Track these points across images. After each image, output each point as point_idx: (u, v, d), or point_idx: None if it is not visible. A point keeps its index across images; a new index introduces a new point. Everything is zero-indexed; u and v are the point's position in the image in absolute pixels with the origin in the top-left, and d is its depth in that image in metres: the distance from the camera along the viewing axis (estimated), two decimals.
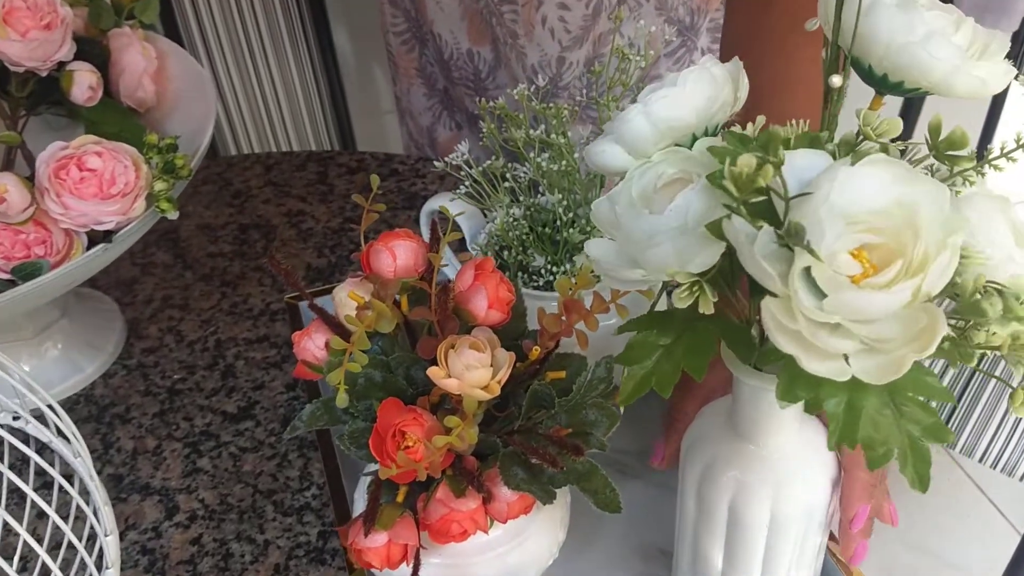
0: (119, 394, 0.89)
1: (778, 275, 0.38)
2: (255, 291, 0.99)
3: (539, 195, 0.76)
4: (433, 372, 0.57)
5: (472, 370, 0.57)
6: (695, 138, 0.51)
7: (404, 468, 0.55)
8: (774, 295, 0.41)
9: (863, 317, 0.38)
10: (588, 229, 0.70)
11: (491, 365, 0.58)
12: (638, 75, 0.71)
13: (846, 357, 0.39)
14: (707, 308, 0.44)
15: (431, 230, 0.61)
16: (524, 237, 0.73)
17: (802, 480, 0.57)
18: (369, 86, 1.59)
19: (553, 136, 0.72)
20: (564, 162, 0.72)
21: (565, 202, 0.71)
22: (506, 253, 0.74)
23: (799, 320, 0.38)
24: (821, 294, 0.38)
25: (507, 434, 0.61)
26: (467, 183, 0.74)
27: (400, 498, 0.60)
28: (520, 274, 0.74)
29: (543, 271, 0.72)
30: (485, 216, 0.81)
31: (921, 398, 0.42)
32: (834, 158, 0.45)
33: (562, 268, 0.71)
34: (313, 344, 0.64)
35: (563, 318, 0.59)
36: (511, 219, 0.73)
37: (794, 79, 0.68)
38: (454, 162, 0.74)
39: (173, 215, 0.74)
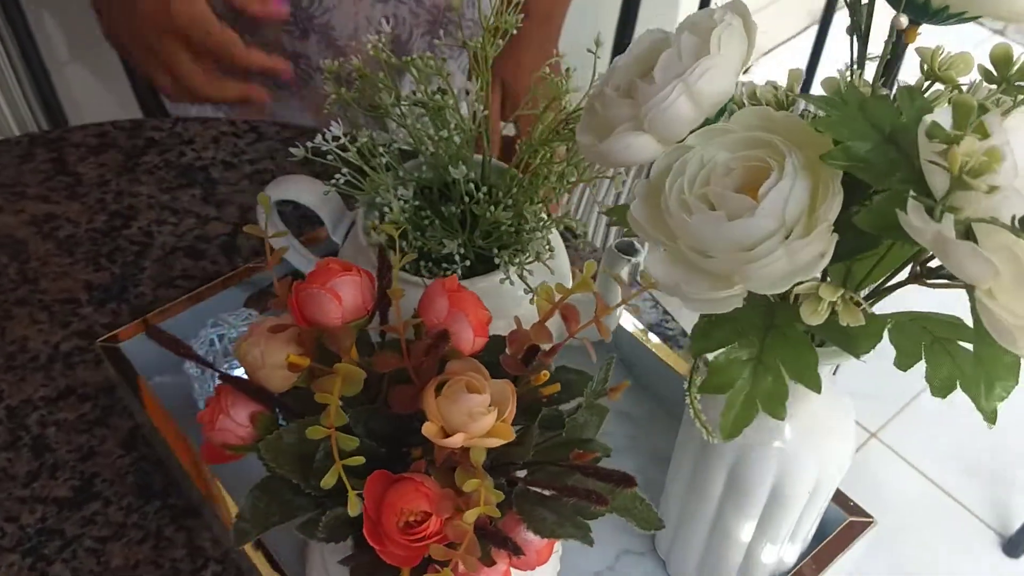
0: None
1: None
2: (31, 332, 0.79)
3: (421, 165, 0.64)
4: (429, 431, 0.47)
5: (478, 417, 0.46)
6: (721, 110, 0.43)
7: (445, 560, 0.45)
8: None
9: None
10: (510, 203, 0.60)
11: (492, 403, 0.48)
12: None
13: None
14: (855, 319, 0.37)
15: (379, 259, 0.48)
16: (425, 222, 0.61)
17: (839, 436, 0.53)
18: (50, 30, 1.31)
19: (439, 97, 0.60)
20: (454, 125, 0.61)
21: (471, 173, 0.60)
22: (403, 242, 0.62)
23: None
24: None
25: (505, 469, 0.52)
26: (344, 171, 0.61)
27: None
28: (424, 263, 0.62)
29: (456, 256, 0.61)
30: (348, 203, 0.68)
31: None
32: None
33: (502, 256, 0.60)
34: (233, 421, 0.51)
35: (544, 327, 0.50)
36: (402, 202, 0.61)
37: None
38: (323, 147, 0.60)
39: None
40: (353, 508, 0.44)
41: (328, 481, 0.44)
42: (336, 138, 0.59)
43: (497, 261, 0.59)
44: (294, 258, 0.73)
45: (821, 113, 0.40)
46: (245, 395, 0.51)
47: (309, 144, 0.61)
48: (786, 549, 0.58)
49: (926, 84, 0.41)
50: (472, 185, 0.60)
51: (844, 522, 0.62)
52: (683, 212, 0.40)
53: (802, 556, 0.60)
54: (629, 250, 0.62)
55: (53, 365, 0.77)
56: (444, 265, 0.62)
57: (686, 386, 0.46)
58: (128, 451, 0.71)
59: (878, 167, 0.37)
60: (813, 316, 0.38)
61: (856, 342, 0.42)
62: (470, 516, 0.45)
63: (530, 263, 0.59)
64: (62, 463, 0.71)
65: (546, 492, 0.52)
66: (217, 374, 0.66)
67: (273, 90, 0.97)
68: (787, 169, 0.38)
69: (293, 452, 0.51)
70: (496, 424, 0.47)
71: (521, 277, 0.58)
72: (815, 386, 0.41)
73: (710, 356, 0.43)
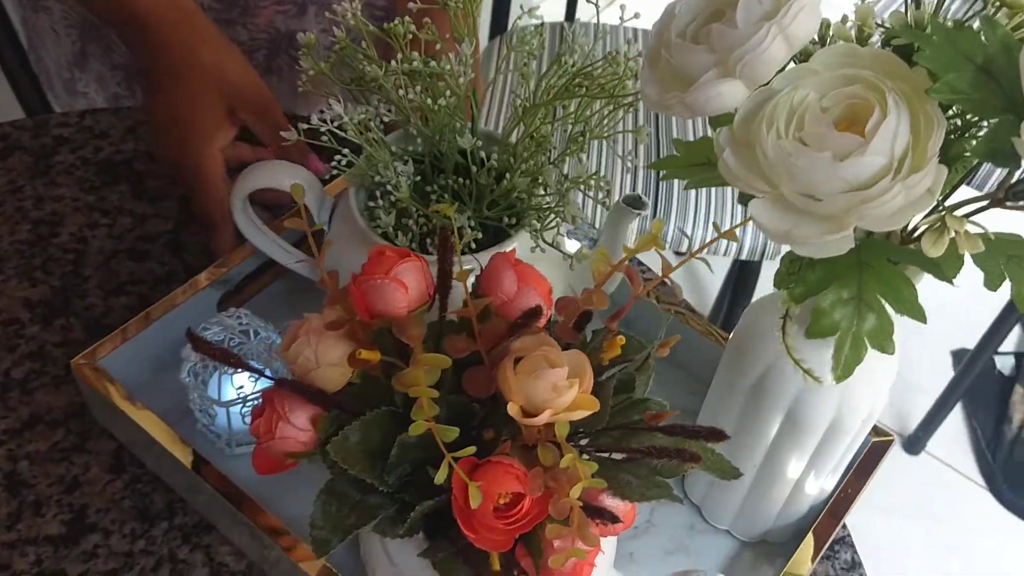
0: None
1: None
2: None
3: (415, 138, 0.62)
4: (514, 411, 0.45)
5: (563, 391, 0.45)
6: None
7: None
8: None
9: None
10: (524, 167, 0.58)
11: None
12: None
13: None
14: (975, 247, 0.38)
15: (440, 241, 0.46)
16: (433, 196, 0.59)
17: (888, 360, 0.54)
18: None
19: (433, 64, 0.57)
20: (449, 93, 0.58)
21: (479, 141, 0.58)
22: (409, 220, 0.60)
23: None
24: None
25: (572, 438, 0.50)
26: (345, 153, 0.58)
27: (496, 566, 0.48)
28: (431, 240, 0.60)
29: (467, 229, 0.59)
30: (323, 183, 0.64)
31: None
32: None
33: (528, 224, 0.58)
34: (294, 427, 0.48)
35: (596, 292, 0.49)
36: (407, 179, 0.58)
37: None
38: (323, 128, 0.56)
39: None
40: (475, 499, 0.42)
41: (441, 476, 0.42)
42: (336, 117, 0.56)
43: (527, 230, 0.57)
44: (268, 247, 0.69)
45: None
46: (302, 399, 0.48)
47: (304, 126, 0.57)
48: (828, 479, 0.60)
49: (992, 11, 0.41)
50: (483, 154, 0.57)
51: (868, 444, 0.64)
52: (785, 157, 0.39)
53: (837, 484, 0.62)
54: (636, 204, 0.62)
55: (8, 394, 0.70)
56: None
57: (779, 336, 0.46)
58: (117, 474, 0.66)
59: (978, 98, 0.38)
60: (935, 247, 0.38)
61: (944, 268, 0.43)
62: (576, 492, 0.44)
63: (552, 226, 0.58)
64: (45, 498, 0.65)
65: (615, 456, 0.51)
66: (218, 379, 0.63)
67: (262, 72, 0.91)
68: (890, 104, 0.38)
69: (360, 450, 0.48)
70: (578, 395, 0.46)
71: (552, 244, 0.57)
72: (920, 316, 0.41)
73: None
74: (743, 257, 1.28)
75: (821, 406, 0.53)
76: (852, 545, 0.66)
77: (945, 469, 1.73)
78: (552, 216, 0.57)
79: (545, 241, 0.57)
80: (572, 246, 0.74)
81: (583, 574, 0.48)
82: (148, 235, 0.81)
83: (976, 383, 1.73)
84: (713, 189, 1.18)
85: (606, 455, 0.51)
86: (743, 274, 1.49)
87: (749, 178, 0.40)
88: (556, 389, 0.45)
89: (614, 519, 0.47)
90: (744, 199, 0.44)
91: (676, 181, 1.12)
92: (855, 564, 0.66)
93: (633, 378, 0.50)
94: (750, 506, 0.61)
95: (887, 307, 0.42)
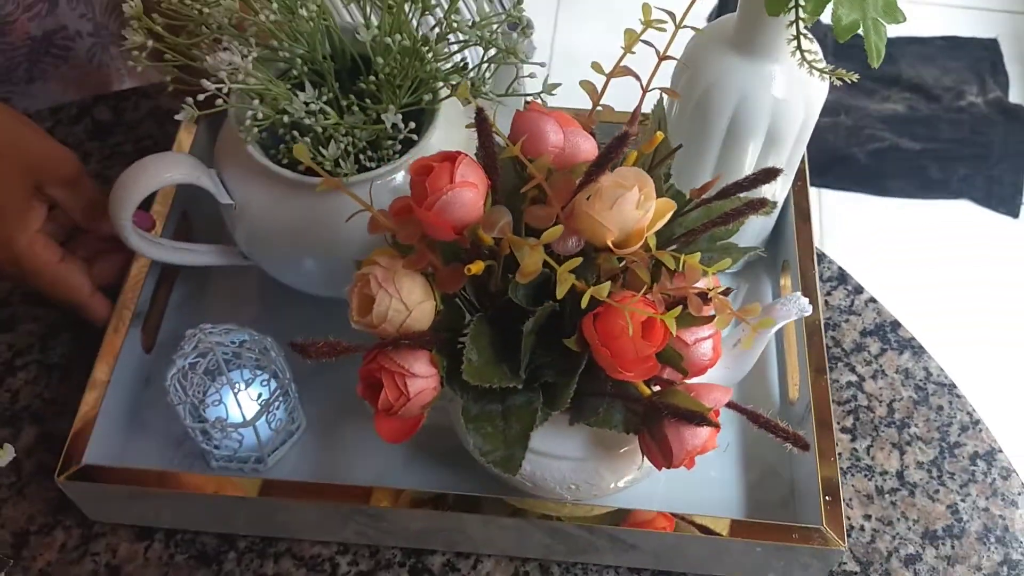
0: None
1: None
2: None
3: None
4: (614, 247, 0.45)
5: (646, 207, 0.46)
6: None
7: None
8: None
9: None
10: (440, 40, 0.54)
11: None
12: None
13: None
14: None
15: (479, 123, 0.43)
16: (355, 107, 0.55)
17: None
18: None
19: None
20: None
21: (376, 30, 0.53)
22: (342, 145, 0.55)
23: None
24: None
25: None
26: (257, 115, 0.51)
27: (647, 391, 0.50)
28: (364, 155, 0.56)
29: (400, 125, 0.54)
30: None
31: None
32: None
33: (434, 96, 0.54)
34: (422, 378, 0.46)
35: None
36: (316, 103, 0.53)
37: None
38: (223, 89, 0.49)
39: None
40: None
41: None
42: (234, 68, 0.49)
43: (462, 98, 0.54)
44: (175, 256, 0.61)
45: None
46: (410, 349, 0.45)
47: (199, 97, 0.50)
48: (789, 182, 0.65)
49: None
50: (391, 40, 0.53)
51: None
52: None
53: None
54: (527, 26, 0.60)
55: None
56: (388, 143, 0.56)
57: (799, 55, 0.47)
58: (150, 538, 0.60)
59: None
60: None
61: None
62: (710, 282, 0.46)
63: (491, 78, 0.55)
64: None
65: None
66: (235, 402, 0.58)
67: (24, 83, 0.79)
68: None
69: (484, 364, 0.47)
70: (656, 204, 0.47)
71: (510, 92, 0.55)
72: None
73: None
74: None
75: (796, 108, 0.56)
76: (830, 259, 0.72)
77: None
78: (488, 67, 0.55)
79: (498, 94, 0.55)
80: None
81: (718, 350, 0.50)
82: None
83: None
84: None
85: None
86: None
87: None
88: (640, 206, 0.45)
89: (728, 291, 0.49)
90: None
91: None
92: (844, 276, 0.72)
93: (669, 166, 0.51)
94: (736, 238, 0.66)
95: None
